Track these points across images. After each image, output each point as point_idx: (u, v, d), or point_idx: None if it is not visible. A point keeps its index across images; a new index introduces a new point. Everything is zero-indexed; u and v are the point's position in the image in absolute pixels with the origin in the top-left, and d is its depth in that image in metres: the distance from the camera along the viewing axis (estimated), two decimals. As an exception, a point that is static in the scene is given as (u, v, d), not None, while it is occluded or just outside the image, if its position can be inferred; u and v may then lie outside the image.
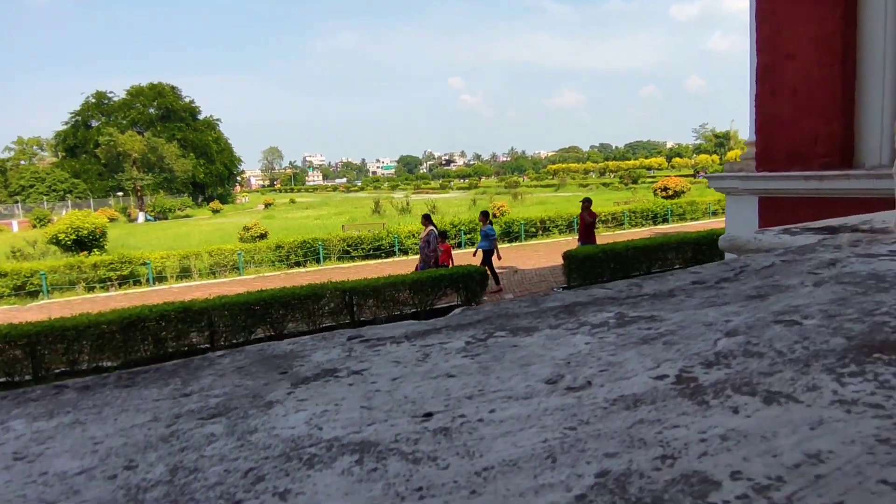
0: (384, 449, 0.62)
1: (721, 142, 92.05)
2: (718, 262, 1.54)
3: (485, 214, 13.29)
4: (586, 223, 13.53)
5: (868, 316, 0.98)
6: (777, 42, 6.22)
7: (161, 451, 0.64)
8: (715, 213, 25.47)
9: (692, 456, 0.56)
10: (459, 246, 19.41)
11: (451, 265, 12.03)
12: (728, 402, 0.68)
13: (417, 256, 13.20)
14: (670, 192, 32.26)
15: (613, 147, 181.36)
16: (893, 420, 0.60)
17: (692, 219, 25.39)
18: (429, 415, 0.70)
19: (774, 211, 6.21)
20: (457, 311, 1.17)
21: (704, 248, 13.11)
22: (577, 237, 14.59)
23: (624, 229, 22.94)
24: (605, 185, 63.34)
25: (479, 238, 13.31)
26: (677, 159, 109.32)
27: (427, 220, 12.37)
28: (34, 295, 15.18)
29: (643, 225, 23.94)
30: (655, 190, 34.17)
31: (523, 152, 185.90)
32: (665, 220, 24.62)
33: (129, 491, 0.57)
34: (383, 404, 0.74)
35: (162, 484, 0.58)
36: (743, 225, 6.31)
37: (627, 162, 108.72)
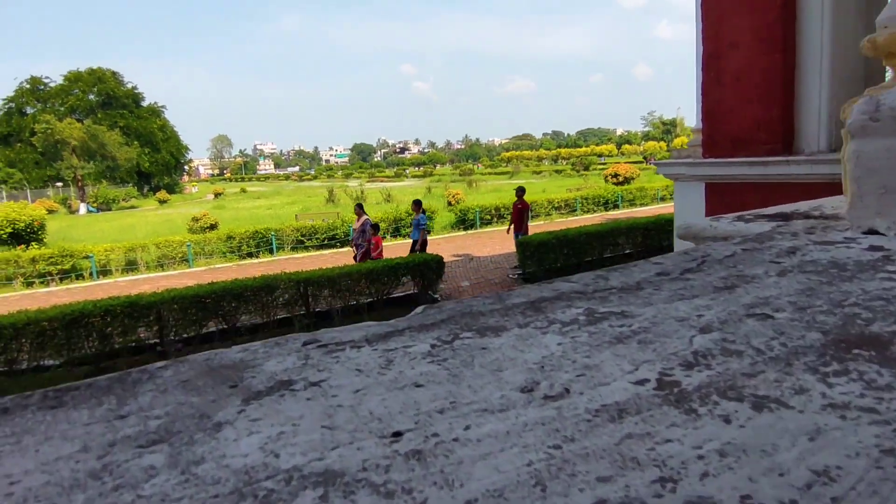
0: (351, 480, 0.55)
1: (668, 129, 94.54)
2: (679, 251, 1.52)
3: (417, 203, 12.87)
4: (519, 213, 13.54)
5: (838, 307, 0.96)
6: (721, 31, 6.35)
7: (90, 492, 0.56)
8: (663, 199, 26.13)
9: (693, 477, 0.52)
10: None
11: (376, 258, 11.61)
12: (717, 409, 0.64)
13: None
14: (621, 179, 32.94)
15: (565, 134, 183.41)
16: (892, 426, 0.58)
17: (642, 204, 25.99)
18: (398, 434, 0.63)
19: (720, 196, 6.38)
20: (418, 309, 1.10)
21: (653, 233, 13.41)
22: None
23: (577, 215, 23.28)
24: (557, 171, 64.17)
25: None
26: (627, 146, 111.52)
27: (360, 208, 12.06)
28: (-34, 292, 14.35)
29: (595, 211, 24.36)
30: (606, 176, 34.81)
31: (477, 140, 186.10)
32: (616, 206, 25.11)
33: (49, 545, 0.49)
34: (346, 422, 0.67)
35: (89, 534, 0.50)
36: (691, 210, 6.45)
37: (579, 149, 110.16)
